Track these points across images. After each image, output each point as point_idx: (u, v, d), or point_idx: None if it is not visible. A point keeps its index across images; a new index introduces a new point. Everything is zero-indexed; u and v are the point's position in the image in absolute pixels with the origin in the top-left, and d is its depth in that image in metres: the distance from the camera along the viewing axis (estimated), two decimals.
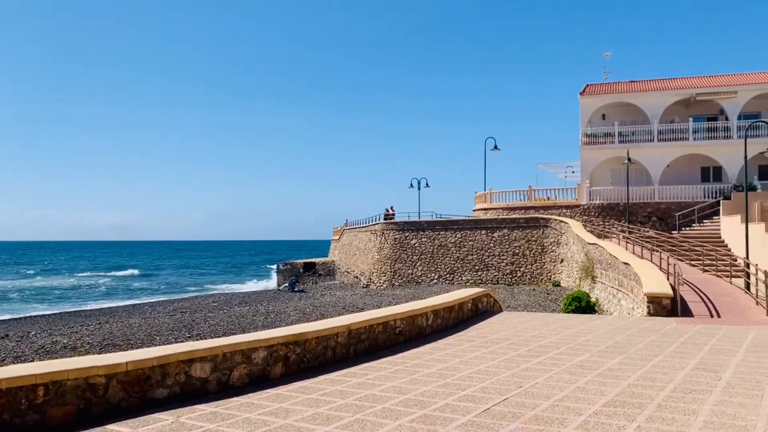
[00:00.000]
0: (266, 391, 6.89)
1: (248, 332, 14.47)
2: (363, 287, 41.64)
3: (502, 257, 36.15)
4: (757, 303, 15.99)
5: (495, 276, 35.87)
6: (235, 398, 6.54)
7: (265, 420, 5.72)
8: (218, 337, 17.71)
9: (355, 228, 52.16)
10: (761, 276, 15.30)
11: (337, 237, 61.64)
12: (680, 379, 7.38)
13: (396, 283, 38.70)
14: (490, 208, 40.75)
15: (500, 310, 15.56)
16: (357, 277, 46.51)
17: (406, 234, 39.47)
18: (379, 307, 18.82)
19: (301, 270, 58.35)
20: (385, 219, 43.34)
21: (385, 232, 40.67)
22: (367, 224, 46.72)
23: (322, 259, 63.98)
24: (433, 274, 37.79)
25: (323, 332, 8.36)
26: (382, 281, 39.70)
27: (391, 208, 45.51)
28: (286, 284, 45.78)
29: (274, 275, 63.73)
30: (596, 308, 21.91)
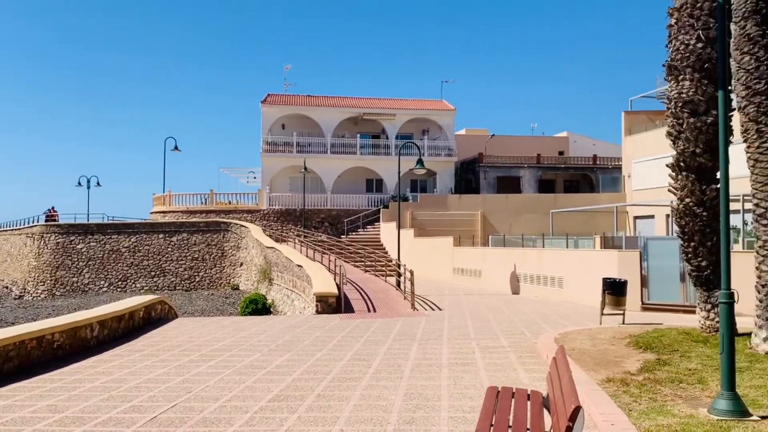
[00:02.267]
0: None
1: None
2: (15, 299, 36.32)
3: (180, 262, 35.19)
4: (405, 298, 18.54)
5: (172, 282, 34.73)
6: None
7: None
8: None
9: (5, 231, 45.20)
10: (408, 275, 17.80)
11: None
12: (338, 369, 8.22)
13: (57, 293, 34.68)
14: (170, 211, 39.33)
15: (176, 317, 15.22)
16: (7, 288, 40.40)
17: (72, 238, 35.71)
18: (35, 320, 16.67)
19: None
20: (46, 221, 38.51)
21: (45, 235, 36.15)
22: (22, 226, 40.92)
23: None
24: (102, 282, 34.89)
25: None
26: (39, 291, 35.18)
27: (53, 208, 40.69)
28: None
29: None
30: (272, 309, 22.85)
